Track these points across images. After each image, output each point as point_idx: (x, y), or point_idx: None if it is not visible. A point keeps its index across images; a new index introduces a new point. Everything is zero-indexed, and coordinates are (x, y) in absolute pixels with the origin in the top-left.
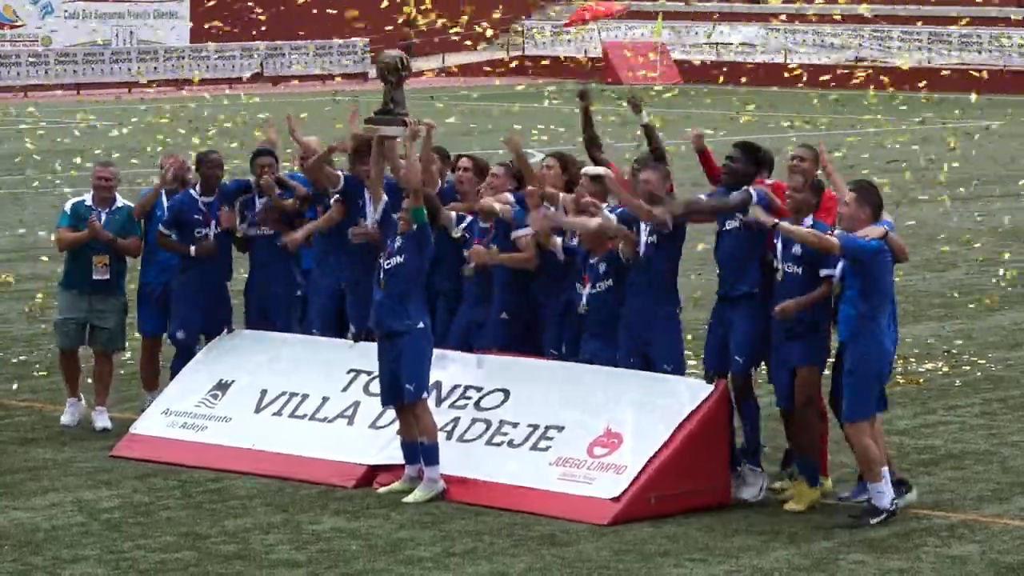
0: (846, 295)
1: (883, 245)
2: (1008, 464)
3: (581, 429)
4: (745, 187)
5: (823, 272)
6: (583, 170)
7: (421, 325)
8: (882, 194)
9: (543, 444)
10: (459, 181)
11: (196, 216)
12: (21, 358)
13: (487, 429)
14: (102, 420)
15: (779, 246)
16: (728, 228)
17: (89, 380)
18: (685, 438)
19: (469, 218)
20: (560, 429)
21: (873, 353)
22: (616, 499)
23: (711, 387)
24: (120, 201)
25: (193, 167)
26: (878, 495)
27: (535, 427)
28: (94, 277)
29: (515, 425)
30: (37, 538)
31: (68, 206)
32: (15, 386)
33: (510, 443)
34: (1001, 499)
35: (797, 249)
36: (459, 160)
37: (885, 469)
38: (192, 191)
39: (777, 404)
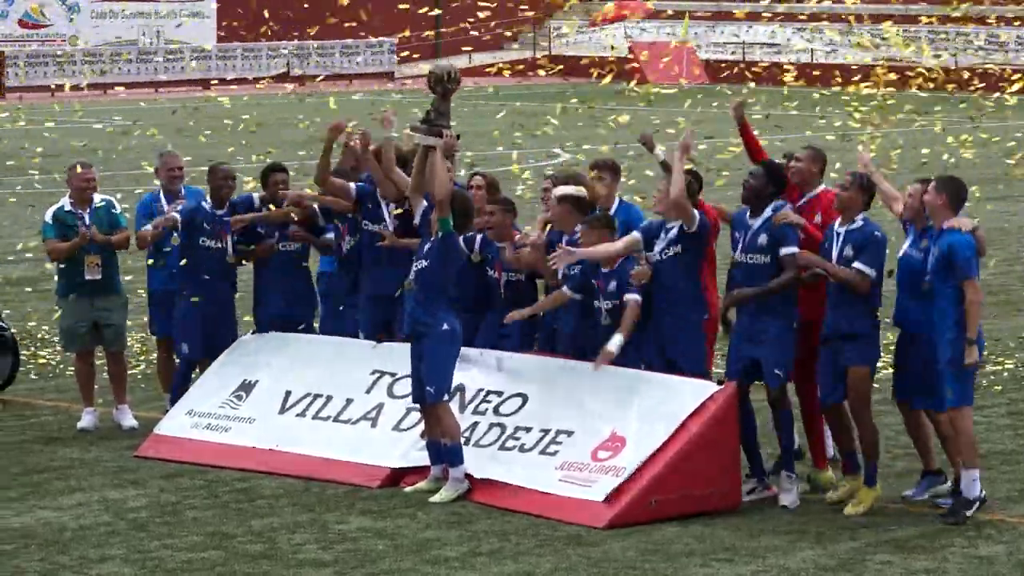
0: (938, 291)
1: (972, 241)
2: None
3: (588, 433)
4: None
5: (856, 265)
6: (555, 191)
7: (445, 327)
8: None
9: (552, 448)
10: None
11: (206, 226)
12: (48, 357)
13: (502, 434)
14: (127, 419)
15: (833, 253)
16: (750, 262)
17: (103, 379)
18: (688, 440)
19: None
20: (570, 434)
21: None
22: (612, 502)
23: (716, 387)
24: (98, 198)
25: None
26: (972, 483)
27: (546, 431)
28: (86, 277)
29: (528, 430)
30: (64, 537)
31: (49, 215)
32: (41, 385)
33: (521, 448)
34: None
35: (849, 251)
36: (472, 177)
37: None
38: (204, 202)
39: (822, 401)
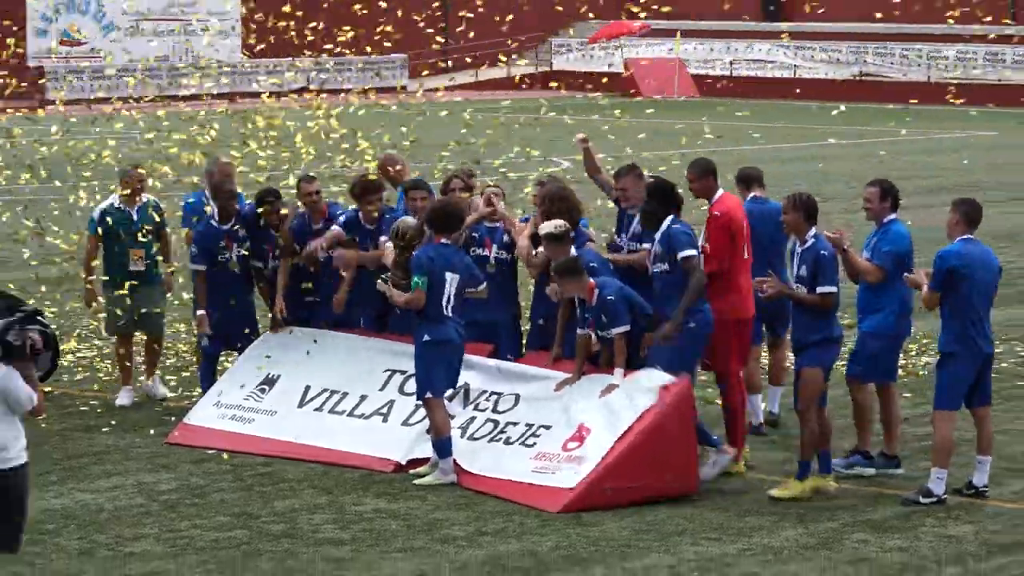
0: (942, 308)
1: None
2: (1001, 451)
3: (563, 427)
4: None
5: (819, 289)
6: (539, 228)
7: (425, 338)
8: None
9: (531, 441)
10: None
11: (221, 244)
12: (85, 352)
13: (494, 428)
14: (159, 390)
15: (794, 268)
16: (658, 271)
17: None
18: (643, 431)
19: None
20: (548, 428)
21: (960, 348)
22: (570, 488)
23: (671, 379)
24: (144, 196)
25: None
26: (938, 481)
27: (531, 426)
28: (131, 269)
29: (516, 424)
30: (101, 518)
31: (97, 212)
32: (80, 377)
33: (507, 441)
34: (994, 483)
35: (804, 271)
36: (451, 180)
37: (987, 459)
38: (212, 221)
39: (794, 406)
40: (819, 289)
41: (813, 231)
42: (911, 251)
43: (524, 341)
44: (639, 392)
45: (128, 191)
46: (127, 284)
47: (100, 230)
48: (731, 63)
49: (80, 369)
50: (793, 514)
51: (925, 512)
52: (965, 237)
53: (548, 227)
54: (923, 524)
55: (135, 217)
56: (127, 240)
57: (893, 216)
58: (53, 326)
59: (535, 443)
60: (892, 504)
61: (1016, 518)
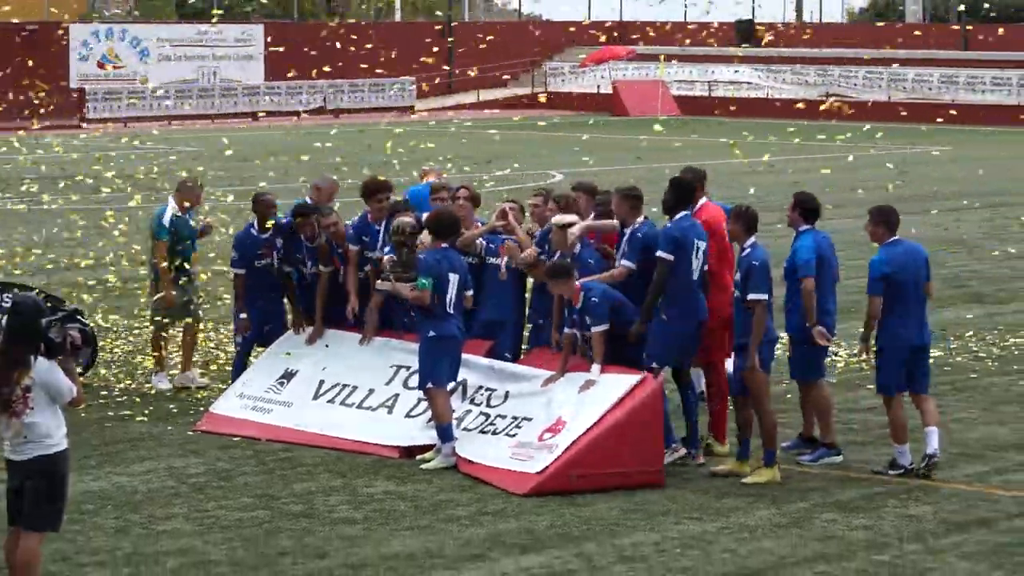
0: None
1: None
2: (954, 438)
3: (543, 420)
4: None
5: (748, 296)
6: (552, 220)
7: (431, 334)
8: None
9: (513, 431)
10: (460, 208)
11: (258, 251)
12: (121, 347)
13: (485, 421)
14: (196, 381)
15: (738, 278)
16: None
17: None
18: (610, 424)
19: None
20: (529, 420)
21: (887, 342)
22: (539, 472)
23: (638, 378)
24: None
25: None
26: (900, 454)
27: (515, 419)
28: (190, 268)
29: (504, 417)
30: (135, 499)
31: (167, 220)
32: (116, 370)
33: (494, 432)
34: (949, 467)
35: (738, 276)
36: (458, 190)
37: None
38: (252, 229)
39: (729, 394)
40: (748, 296)
41: (751, 240)
42: (818, 256)
43: (525, 343)
44: (611, 388)
45: (189, 200)
46: (184, 281)
47: (168, 236)
48: (709, 85)
49: (116, 363)
50: (767, 496)
51: (888, 493)
52: (889, 240)
53: (568, 218)
54: (886, 504)
55: (191, 223)
56: (186, 243)
57: (806, 227)
58: (92, 324)
59: (516, 433)
60: (858, 486)
61: (970, 499)
